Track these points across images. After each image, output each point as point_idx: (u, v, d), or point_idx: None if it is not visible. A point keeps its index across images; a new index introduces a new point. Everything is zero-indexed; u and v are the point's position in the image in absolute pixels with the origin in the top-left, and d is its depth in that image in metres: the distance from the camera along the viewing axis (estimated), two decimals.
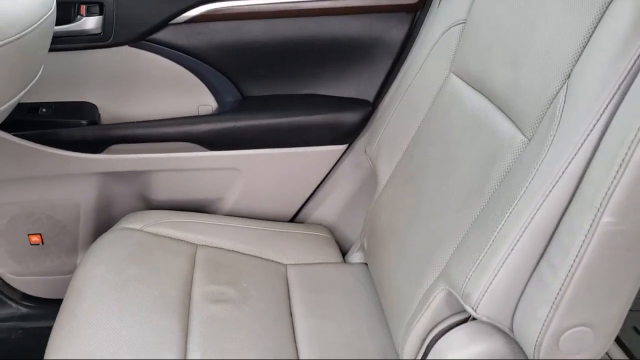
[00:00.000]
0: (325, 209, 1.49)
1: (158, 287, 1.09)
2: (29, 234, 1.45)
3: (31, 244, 1.46)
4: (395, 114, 1.22)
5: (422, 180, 1.05)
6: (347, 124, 1.38)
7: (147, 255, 1.17)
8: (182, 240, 1.26)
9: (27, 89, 0.93)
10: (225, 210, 1.46)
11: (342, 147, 1.41)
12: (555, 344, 0.77)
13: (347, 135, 1.40)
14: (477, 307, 0.81)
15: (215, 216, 1.40)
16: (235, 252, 1.27)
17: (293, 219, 1.51)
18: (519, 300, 0.80)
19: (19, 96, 0.90)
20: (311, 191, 1.47)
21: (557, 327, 0.75)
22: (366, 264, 1.29)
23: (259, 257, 1.28)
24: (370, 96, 1.38)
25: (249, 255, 1.28)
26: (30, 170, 1.34)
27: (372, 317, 1.14)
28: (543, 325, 0.76)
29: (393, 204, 1.15)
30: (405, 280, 1.01)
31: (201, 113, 1.38)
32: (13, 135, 1.30)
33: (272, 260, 1.28)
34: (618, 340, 0.84)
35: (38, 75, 0.97)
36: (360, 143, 1.43)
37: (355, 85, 1.39)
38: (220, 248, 1.27)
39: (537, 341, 0.77)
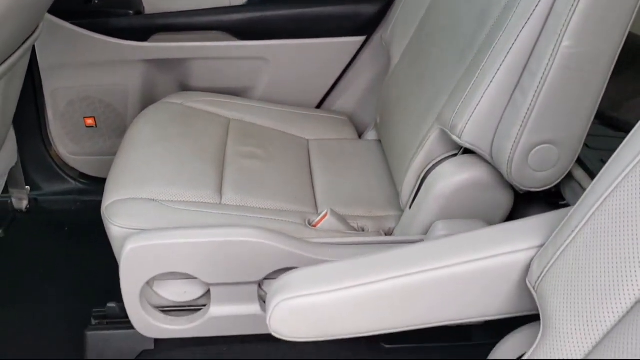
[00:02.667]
0: (346, 99, 1.65)
1: (197, 143, 1.27)
2: (84, 117, 1.65)
3: (86, 127, 1.66)
4: None
5: (428, 48, 1.19)
6: (365, 15, 1.51)
7: (187, 120, 1.35)
8: (217, 114, 1.43)
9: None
10: (255, 98, 1.63)
11: (361, 38, 1.55)
12: (524, 160, 0.92)
13: (365, 27, 1.53)
14: (462, 134, 0.96)
15: (247, 99, 1.57)
16: (264, 127, 1.45)
17: (317, 108, 1.67)
18: (497, 127, 0.95)
19: None
20: (333, 81, 1.62)
21: (525, 143, 0.90)
22: (379, 140, 1.44)
23: (284, 132, 1.45)
24: None
25: (276, 130, 1.45)
26: (85, 56, 1.53)
27: (381, 177, 1.30)
28: (514, 142, 0.91)
29: (403, 77, 1.30)
30: (408, 133, 1.16)
31: (233, 4, 1.54)
32: (70, 23, 1.48)
33: (296, 135, 1.45)
34: (580, 162, 0.98)
35: None
36: (378, 36, 1.56)
37: None
38: (251, 123, 1.45)
39: (509, 157, 0.92)
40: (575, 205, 0.64)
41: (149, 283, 1.06)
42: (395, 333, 1.14)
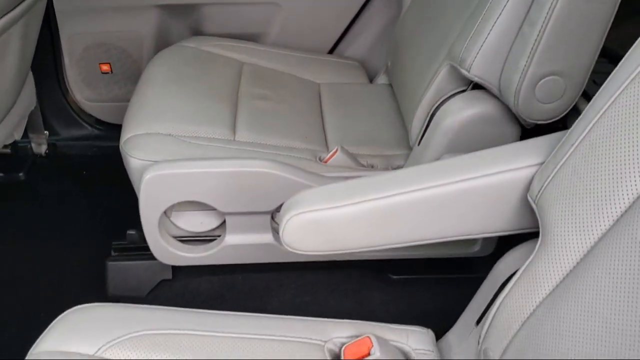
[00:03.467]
0: (358, 45, 1.66)
1: (211, 84, 1.30)
2: (100, 63, 1.68)
3: (102, 73, 1.69)
4: None
5: None
6: None
7: (201, 63, 1.38)
8: (230, 57, 1.46)
9: None
10: (267, 44, 1.65)
11: None
12: (531, 91, 0.94)
13: None
14: (471, 67, 0.98)
15: (259, 44, 1.59)
16: (276, 70, 1.47)
17: (329, 54, 1.69)
18: (505, 60, 0.96)
19: None
20: (345, 27, 1.63)
21: (532, 74, 0.92)
22: (390, 85, 1.46)
23: (296, 76, 1.47)
24: None
25: (287, 74, 1.47)
26: (100, 1, 1.55)
27: (391, 118, 1.33)
28: (521, 74, 0.93)
29: (414, 20, 1.31)
30: (418, 72, 1.18)
31: None
32: None
33: (307, 79, 1.47)
34: (587, 97, 0.99)
35: None
36: None
37: None
38: (263, 66, 1.47)
39: (516, 89, 0.94)
40: (575, 122, 0.66)
41: (167, 213, 1.10)
42: (402, 265, 1.19)
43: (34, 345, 0.71)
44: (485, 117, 1.04)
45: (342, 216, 0.74)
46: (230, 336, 0.75)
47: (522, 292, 0.66)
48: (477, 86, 1.06)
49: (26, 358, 0.69)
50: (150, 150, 1.08)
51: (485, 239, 1.13)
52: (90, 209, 1.54)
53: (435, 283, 1.16)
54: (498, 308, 0.68)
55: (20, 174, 1.67)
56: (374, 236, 0.75)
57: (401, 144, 1.25)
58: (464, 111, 1.04)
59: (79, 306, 0.76)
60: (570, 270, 0.62)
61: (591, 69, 0.94)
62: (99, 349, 0.70)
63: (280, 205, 1.05)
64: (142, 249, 1.18)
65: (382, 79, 1.51)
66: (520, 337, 0.65)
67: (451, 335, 0.82)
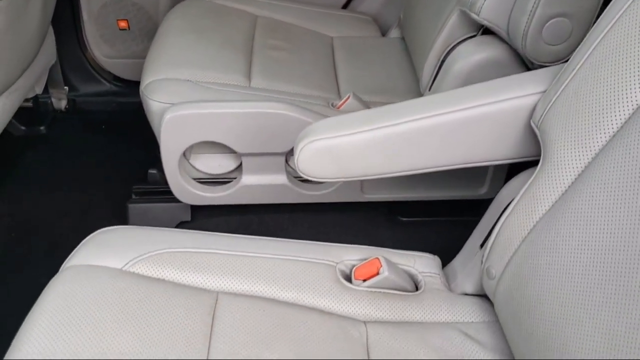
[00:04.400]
0: (371, 1, 1.68)
1: (226, 35, 1.33)
2: (117, 19, 1.71)
3: (119, 29, 1.73)
4: None
5: None
6: None
7: (216, 16, 1.41)
8: (244, 11, 1.49)
9: None
10: None
11: None
12: (539, 33, 0.97)
13: None
14: (480, 11, 1.01)
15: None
16: (289, 23, 1.50)
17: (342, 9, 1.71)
18: (514, 2, 0.99)
19: None
20: None
21: (540, 15, 0.95)
22: (402, 38, 1.49)
23: (309, 29, 1.50)
24: None
25: (301, 27, 1.50)
26: None
27: (403, 69, 1.36)
28: (529, 15, 0.95)
29: None
30: (429, 20, 1.21)
31: None
32: None
33: (320, 33, 1.50)
34: None
35: None
36: None
37: None
38: (277, 19, 1.50)
39: (524, 31, 0.97)
40: (577, 49, 0.69)
41: (186, 156, 1.15)
42: (411, 208, 1.23)
43: (66, 261, 0.77)
44: (494, 60, 1.07)
45: (354, 143, 0.78)
46: (248, 255, 0.79)
47: (523, 210, 0.70)
48: (487, 32, 1.09)
49: (59, 270, 0.75)
50: (169, 94, 1.12)
51: (493, 181, 1.17)
52: (110, 160, 1.59)
53: (444, 225, 1.20)
54: (500, 228, 0.72)
55: (42, 128, 1.72)
56: (385, 163, 0.79)
57: (412, 91, 1.28)
58: (473, 55, 1.07)
59: (107, 228, 0.82)
60: (568, 187, 0.65)
61: (597, 10, 0.96)
62: (126, 264, 0.75)
63: None
64: (161, 192, 1.23)
65: (394, 33, 1.53)
66: (519, 254, 0.69)
67: (456, 262, 0.86)
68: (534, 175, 0.70)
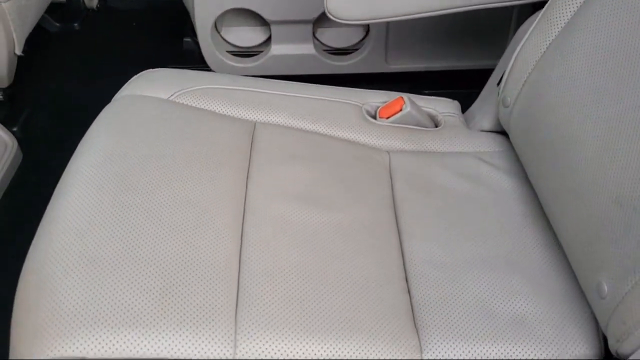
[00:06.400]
0: None
1: None
2: None
3: None
4: None
5: None
6: None
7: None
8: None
9: None
10: None
11: None
12: None
13: None
14: None
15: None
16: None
17: None
18: None
19: None
20: None
21: None
22: None
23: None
24: None
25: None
26: None
27: None
28: None
29: None
30: None
31: None
32: None
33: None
34: None
35: None
36: None
37: None
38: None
39: None
40: None
41: (218, 28, 1.21)
42: (434, 81, 1.28)
43: (118, 93, 0.85)
44: None
45: None
46: (282, 94, 0.87)
47: (538, 34, 0.75)
48: None
49: (112, 100, 0.83)
50: None
51: None
52: (143, 51, 1.65)
53: (464, 96, 1.25)
54: (516, 55, 0.78)
55: (75, 25, 1.78)
56: (410, 2, 0.84)
57: None
58: None
59: (152, 69, 0.89)
60: (579, 6, 0.70)
61: None
62: (172, 95, 0.83)
63: (322, 14, 1.15)
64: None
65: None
66: (533, 74, 0.75)
67: (475, 105, 0.93)
68: (549, 2, 0.75)
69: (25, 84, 1.43)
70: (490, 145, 0.85)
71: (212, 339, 0.55)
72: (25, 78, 1.41)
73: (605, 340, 0.59)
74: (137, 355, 0.53)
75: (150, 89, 0.83)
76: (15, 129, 1.31)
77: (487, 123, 0.88)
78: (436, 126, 0.89)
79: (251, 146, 0.78)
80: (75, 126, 1.43)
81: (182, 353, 0.54)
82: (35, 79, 1.45)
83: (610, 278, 0.54)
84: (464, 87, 1.28)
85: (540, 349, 0.60)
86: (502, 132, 0.87)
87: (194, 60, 1.27)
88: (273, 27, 1.17)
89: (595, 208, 0.58)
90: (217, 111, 0.83)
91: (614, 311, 0.53)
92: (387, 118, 0.86)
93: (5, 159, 1.16)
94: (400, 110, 0.86)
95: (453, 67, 1.21)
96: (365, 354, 0.58)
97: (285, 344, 0.57)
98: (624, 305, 0.52)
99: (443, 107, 0.91)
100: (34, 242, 0.62)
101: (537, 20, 0.76)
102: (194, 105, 0.83)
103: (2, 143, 1.18)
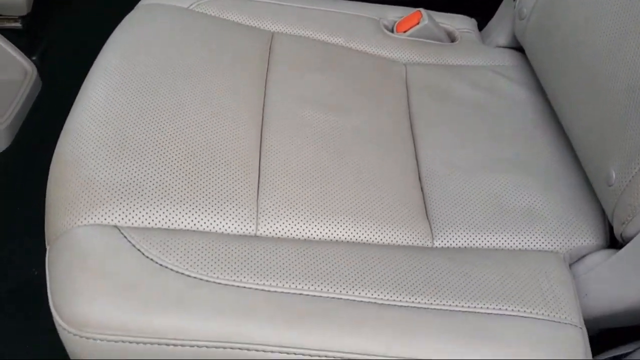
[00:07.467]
0: None
1: None
2: None
3: None
4: None
5: None
6: None
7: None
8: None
9: None
10: None
11: None
12: None
13: None
14: None
15: None
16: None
17: None
18: None
19: None
20: None
21: None
22: None
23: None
24: None
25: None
26: None
27: None
28: None
29: None
30: None
31: None
32: None
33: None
34: None
35: None
36: None
37: None
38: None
39: None
40: None
41: None
42: (449, 3, 1.27)
43: (139, 3, 0.86)
44: None
45: None
46: (299, 6, 0.87)
47: None
48: None
49: (135, 6, 0.84)
50: None
51: None
52: None
53: (480, 16, 1.25)
54: None
55: None
56: None
57: None
58: None
59: None
60: None
61: None
62: (191, 4, 0.84)
63: None
64: None
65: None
66: None
67: (491, 22, 0.93)
68: None
69: (45, 12, 1.43)
70: (505, 59, 0.86)
71: (237, 217, 0.58)
72: (45, 6, 1.42)
73: (611, 230, 0.61)
74: (166, 226, 0.56)
75: None
76: (34, 58, 1.33)
77: (503, 39, 0.88)
78: (453, 42, 0.89)
79: (269, 55, 0.79)
80: (95, 56, 1.46)
81: (208, 227, 0.57)
82: (55, 6, 1.46)
83: (618, 165, 0.56)
84: (480, 6, 1.28)
85: (547, 239, 0.62)
86: (518, 49, 0.88)
87: None
88: None
89: (608, 99, 0.59)
90: (234, 20, 0.84)
91: (621, 195, 0.55)
92: (405, 32, 0.87)
93: (25, 86, 1.18)
94: (418, 23, 0.86)
95: None
96: (379, 237, 0.61)
97: (303, 224, 0.59)
98: (630, 188, 0.54)
99: (460, 23, 0.91)
100: (63, 130, 0.65)
101: None
102: (212, 14, 0.84)
103: (22, 70, 1.20)
